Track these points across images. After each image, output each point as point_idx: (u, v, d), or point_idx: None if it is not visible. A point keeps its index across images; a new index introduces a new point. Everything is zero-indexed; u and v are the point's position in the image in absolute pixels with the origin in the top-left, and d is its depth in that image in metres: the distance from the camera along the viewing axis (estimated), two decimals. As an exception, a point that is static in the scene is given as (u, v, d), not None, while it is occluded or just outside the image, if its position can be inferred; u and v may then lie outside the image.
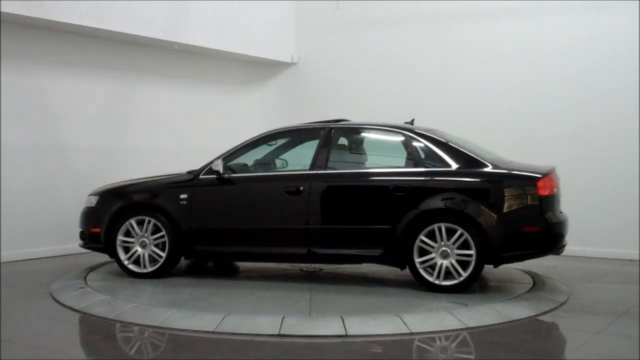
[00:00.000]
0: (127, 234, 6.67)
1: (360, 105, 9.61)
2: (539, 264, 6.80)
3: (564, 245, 6.16)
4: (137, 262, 6.65)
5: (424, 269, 5.95)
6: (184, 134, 9.69)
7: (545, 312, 5.49)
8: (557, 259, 6.28)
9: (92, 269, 7.10)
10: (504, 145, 8.22)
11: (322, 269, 7.00)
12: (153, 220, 6.59)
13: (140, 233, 6.62)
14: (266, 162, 6.89)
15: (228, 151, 6.70)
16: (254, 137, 6.79)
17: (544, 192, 5.85)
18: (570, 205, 7.21)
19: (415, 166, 6.19)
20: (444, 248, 5.86)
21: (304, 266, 7.09)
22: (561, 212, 6.23)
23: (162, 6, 8.71)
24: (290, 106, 10.44)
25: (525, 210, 5.89)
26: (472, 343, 4.76)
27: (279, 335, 4.81)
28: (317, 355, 4.56)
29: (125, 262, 6.66)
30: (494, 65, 8.93)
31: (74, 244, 8.30)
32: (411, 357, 4.56)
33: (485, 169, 6.02)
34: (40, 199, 8.10)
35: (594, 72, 8.27)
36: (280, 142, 6.91)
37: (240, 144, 6.73)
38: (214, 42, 9.44)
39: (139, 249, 6.63)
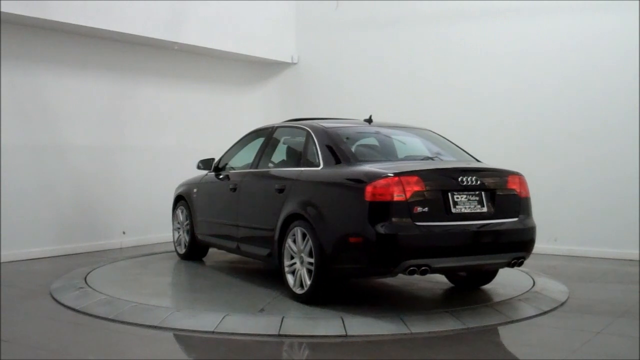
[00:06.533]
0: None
1: (359, 105, 9.60)
2: (539, 264, 6.79)
3: (419, 267, 4.97)
4: (180, 244, 7.87)
5: (292, 273, 5.64)
6: (183, 134, 9.70)
7: (545, 312, 5.49)
8: (558, 259, 6.21)
9: (93, 268, 7.11)
10: (503, 146, 8.24)
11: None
12: (185, 210, 7.72)
13: (182, 220, 7.79)
14: (245, 161, 7.10)
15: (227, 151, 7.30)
16: (242, 137, 7.24)
17: (378, 198, 4.96)
18: (571, 206, 7.23)
19: (297, 165, 6.02)
20: (302, 254, 5.50)
21: None
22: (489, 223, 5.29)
23: (162, 6, 8.71)
24: (290, 106, 10.45)
25: (352, 216, 5.11)
26: (472, 343, 4.76)
27: (279, 335, 4.81)
28: (317, 355, 4.56)
29: (175, 243, 7.94)
30: (494, 66, 8.94)
31: (74, 244, 8.39)
32: (412, 356, 4.55)
33: (338, 169, 5.46)
34: (40, 199, 8.11)
35: (594, 72, 8.26)
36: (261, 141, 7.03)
37: (234, 143, 7.28)
38: (214, 42, 9.46)
39: (181, 233, 7.85)
